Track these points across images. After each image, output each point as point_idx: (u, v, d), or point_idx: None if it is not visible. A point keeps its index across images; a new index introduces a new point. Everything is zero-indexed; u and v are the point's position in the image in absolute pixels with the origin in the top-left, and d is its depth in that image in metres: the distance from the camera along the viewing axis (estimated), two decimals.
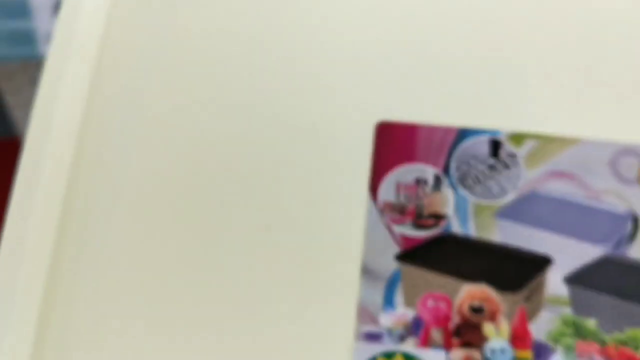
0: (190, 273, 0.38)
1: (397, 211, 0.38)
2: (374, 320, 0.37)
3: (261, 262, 0.38)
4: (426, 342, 0.36)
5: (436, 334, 0.37)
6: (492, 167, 0.39)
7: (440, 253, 0.38)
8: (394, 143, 0.39)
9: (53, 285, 0.37)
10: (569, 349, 0.37)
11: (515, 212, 0.38)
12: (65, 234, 0.38)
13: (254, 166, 0.39)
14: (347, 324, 0.37)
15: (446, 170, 0.39)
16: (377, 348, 0.36)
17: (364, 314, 0.37)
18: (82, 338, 0.36)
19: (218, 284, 0.37)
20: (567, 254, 0.38)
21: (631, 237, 0.38)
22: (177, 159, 0.39)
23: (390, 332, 0.36)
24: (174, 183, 0.39)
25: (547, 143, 0.39)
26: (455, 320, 0.37)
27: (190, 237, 0.38)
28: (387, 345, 0.36)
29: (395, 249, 0.38)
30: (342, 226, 0.38)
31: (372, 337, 0.36)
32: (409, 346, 0.36)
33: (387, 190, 0.38)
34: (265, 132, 0.40)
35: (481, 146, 0.39)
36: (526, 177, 0.39)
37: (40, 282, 0.37)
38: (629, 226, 0.38)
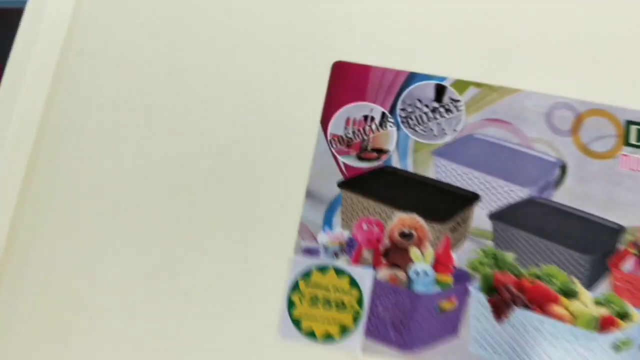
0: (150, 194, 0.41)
1: (344, 143, 0.41)
2: (313, 237, 0.40)
3: (218, 179, 0.41)
4: (357, 260, 0.40)
5: (367, 254, 0.40)
6: (434, 110, 0.41)
7: (378, 183, 0.40)
8: (347, 81, 0.42)
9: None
10: (486, 278, 0.39)
11: (451, 152, 0.41)
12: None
13: (218, 96, 0.42)
14: (289, 239, 0.40)
15: (393, 110, 0.41)
16: (314, 262, 0.40)
17: (305, 231, 0.40)
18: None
19: (175, 206, 0.41)
20: (495, 193, 0.40)
21: (557, 183, 0.41)
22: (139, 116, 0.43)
23: (326, 249, 0.40)
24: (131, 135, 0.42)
25: (488, 91, 0.41)
26: (385, 243, 0.40)
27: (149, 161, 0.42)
28: (323, 260, 0.40)
29: (338, 177, 0.41)
30: (293, 153, 0.41)
31: (310, 252, 0.40)
32: (342, 262, 0.40)
33: (337, 124, 0.41)
34: (227, 66, 0.43)
35: (427, 90, 0.42)
36: (466, 121, 0.41)
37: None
38: (556, 173, 0.41)
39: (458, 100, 0.41)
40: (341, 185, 0.40)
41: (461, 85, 0.41)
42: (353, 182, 0.40)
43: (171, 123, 0.41)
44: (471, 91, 0.41)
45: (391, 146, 0.41)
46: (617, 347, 0.39)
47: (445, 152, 0.41)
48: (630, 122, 0.41)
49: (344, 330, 0.39)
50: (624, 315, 0.39)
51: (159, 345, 0.38)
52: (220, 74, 0.42)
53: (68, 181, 0.41)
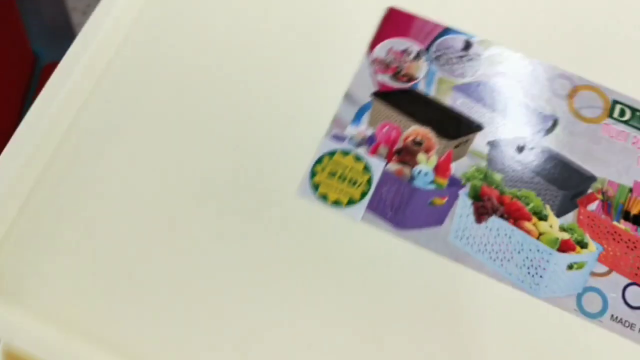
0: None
1: (383, 65, 0.50)
2: (342, 128, 0.48)
3: (275, 75, 0.50)
4: (374, 152, 0.48)
5: (383, 149, 0.48)
6: (460, 57, 0.50)
7: (403, 100, 0.49)
8: (396, 23, 0.51)
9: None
10: (475, 188, 0.47)
11: (467, 90, 0.49)
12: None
13: (282, 22, 0.52)
14: (323, 127, 0.48)
15: (428, 49, 0.50)
16: (339, 146, 0.48)
17: (337, 122, 0.48)
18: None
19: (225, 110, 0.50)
20: (496, 128, 0.48)
21: (548, 132, 0.49)
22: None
23: (351, 139, 0.48)
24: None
25: (505, 53, 0.50)
26: (399, 145, 0.48)
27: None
28: (347, 146, 0.48)
29: (373, 89, 0.49)
30: (342, 65, 0.50)
31: (338, 138, 0.48)
32: (361, 151, 0.48)
33: (381, 50, 0.50)
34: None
35: (457, 42, 0.51)
36: (483, 71, 0.50)
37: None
38: (549, 124, 0.49)
39: (480, 55, 0.50)
40: (374, 94, 0.49)
41: (485, 44, 0.50)
42: (384, 95, 0.49)
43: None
44: (492, 50, 0.50)
45: (420, 75, 0.50)
46: (570, 266, 0.45)
47: (462, 89, 0.49)
48: (616, 102, 0.49)
49: (351, 201, 0.46)
50: (582, 244, 0.46)
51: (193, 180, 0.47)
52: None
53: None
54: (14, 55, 0.98)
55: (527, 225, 0.46)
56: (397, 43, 0.51)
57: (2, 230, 0.44)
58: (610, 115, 0.49)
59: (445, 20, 0.51)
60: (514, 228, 0.46)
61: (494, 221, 0.46)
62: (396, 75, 0.50)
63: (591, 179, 0.47)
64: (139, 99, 0.49)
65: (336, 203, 0.46)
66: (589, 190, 0.47)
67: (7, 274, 0.43)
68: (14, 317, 0.42)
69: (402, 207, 0.46)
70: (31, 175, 0.46)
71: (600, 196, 0.47)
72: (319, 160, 0.47)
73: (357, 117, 0.48)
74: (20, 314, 0.42)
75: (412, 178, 0.47)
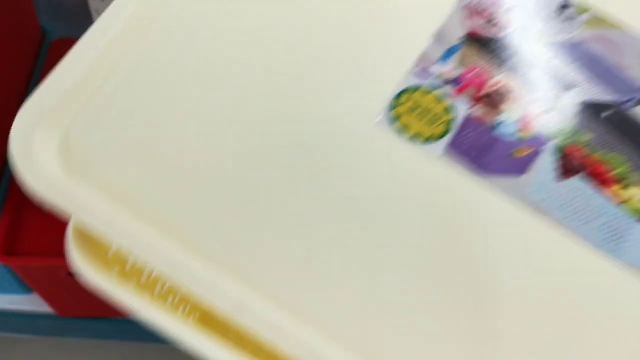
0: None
1: (477, 11, 0.47)
2: (429, 65, 0.46)
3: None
4: (459, 93, 0.45)
5: (468, 93, 0.45)
6: (556, 16, 0.48)
7: (496, 48, 0.47)
8: None
9: None
10: (560, 145, 0.44)
11: (560, 48, 0.47)
12: None
13: None
14: (409, 62, 0.46)
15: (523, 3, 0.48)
16: (424, 82, 0.45)
17: (425, 58, 0.46)
18: None
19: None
20: (586, 89, 0.46)
21: (636, 104, 0.46)
22: None
23: (437, 77, 0.45)
24: None
25: (601, 20, 0.48)
26: (485, 91, 0.45)
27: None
28: (431, 83, 0.45)
29: (464, 32, 0.47)
30: (435, 6, 0.47)
31: (423, 75, 0.45)
32: (446, 91, 0.45)
33: None
34: None
35: (553, 3, 0.48)
36: (578, 33, 0.48)
37: None
38: (638, 96, 0.46)
39: (576, 17, 0.48)
40: (466, 36, 0.47)
41: (582, 8, 0.48)
42: (476, 39, 0.47)
43: None
44: (590, 13, 0.48)
45: (514, 27, 0.47)
46: None
47: (555, 46, 0.47)
48: None
49: (429, 138, 0.44)
50: None
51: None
52: None
53: None
54: (21, 31, 0.96)
55: (611, 189, 0.43)
56: None
57: (76, 107, 0.41)
58: None
59: None
60: (597, 191, 0.43)
61: (577, 181, 0.43)
62: (489, 22, 0.47)
63: None
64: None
65: (415, 137, 0.44)
66: None
67: (79, 151, 0.40)
68: (84, 194, 0.39)
69: (481, 153, 0.43)
70: (117, 50, 0.43)
71: None
72: (400, 94, 0.45)
73: (445, 57, 0.46)
74: (91, 191, 0.39)
75: (494, 126, 0.44)
